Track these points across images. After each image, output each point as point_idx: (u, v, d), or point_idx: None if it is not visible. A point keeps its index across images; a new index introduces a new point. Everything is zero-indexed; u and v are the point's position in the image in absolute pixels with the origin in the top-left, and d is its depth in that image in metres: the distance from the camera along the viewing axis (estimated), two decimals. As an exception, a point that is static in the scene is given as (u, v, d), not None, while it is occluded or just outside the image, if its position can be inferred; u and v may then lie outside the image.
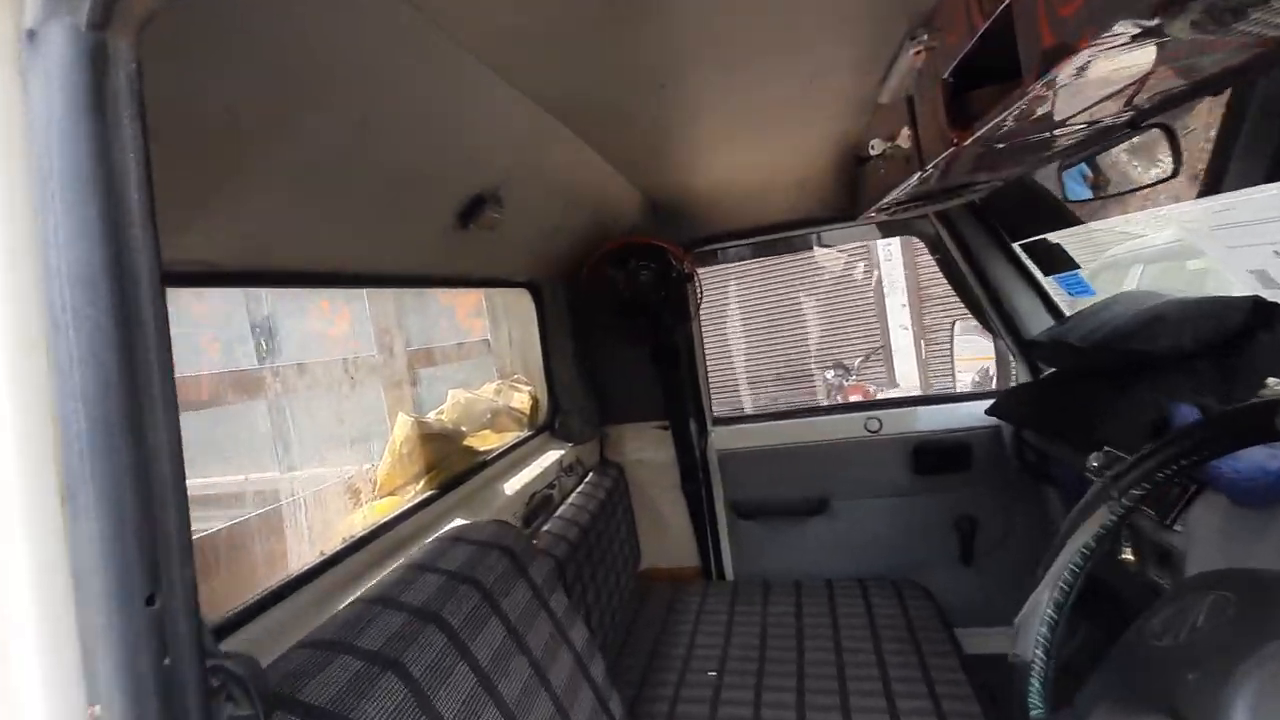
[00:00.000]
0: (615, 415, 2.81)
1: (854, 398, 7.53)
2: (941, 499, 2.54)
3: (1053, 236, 2.26)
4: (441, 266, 1.68)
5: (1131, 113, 1.15)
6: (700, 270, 2.66)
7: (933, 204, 2.15)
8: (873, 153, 1.68)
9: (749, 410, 8.27)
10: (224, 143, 0.82)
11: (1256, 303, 1.40)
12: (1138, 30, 0.63)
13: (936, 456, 2.53)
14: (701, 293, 2.59)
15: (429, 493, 1.65)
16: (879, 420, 2.60)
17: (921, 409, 2.62)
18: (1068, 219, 2.13)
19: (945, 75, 1.11)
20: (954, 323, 3.01)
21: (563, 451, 2.44)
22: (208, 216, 0.90)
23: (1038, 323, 2.39)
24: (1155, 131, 1.15)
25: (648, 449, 2.78)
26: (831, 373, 7.87)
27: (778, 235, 2.66)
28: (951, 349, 3.34)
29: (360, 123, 1.01)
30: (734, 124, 1.69)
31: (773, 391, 8.64)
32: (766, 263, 8.37)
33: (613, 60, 1.21)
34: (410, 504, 1.54)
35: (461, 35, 1.02)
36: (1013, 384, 2.51)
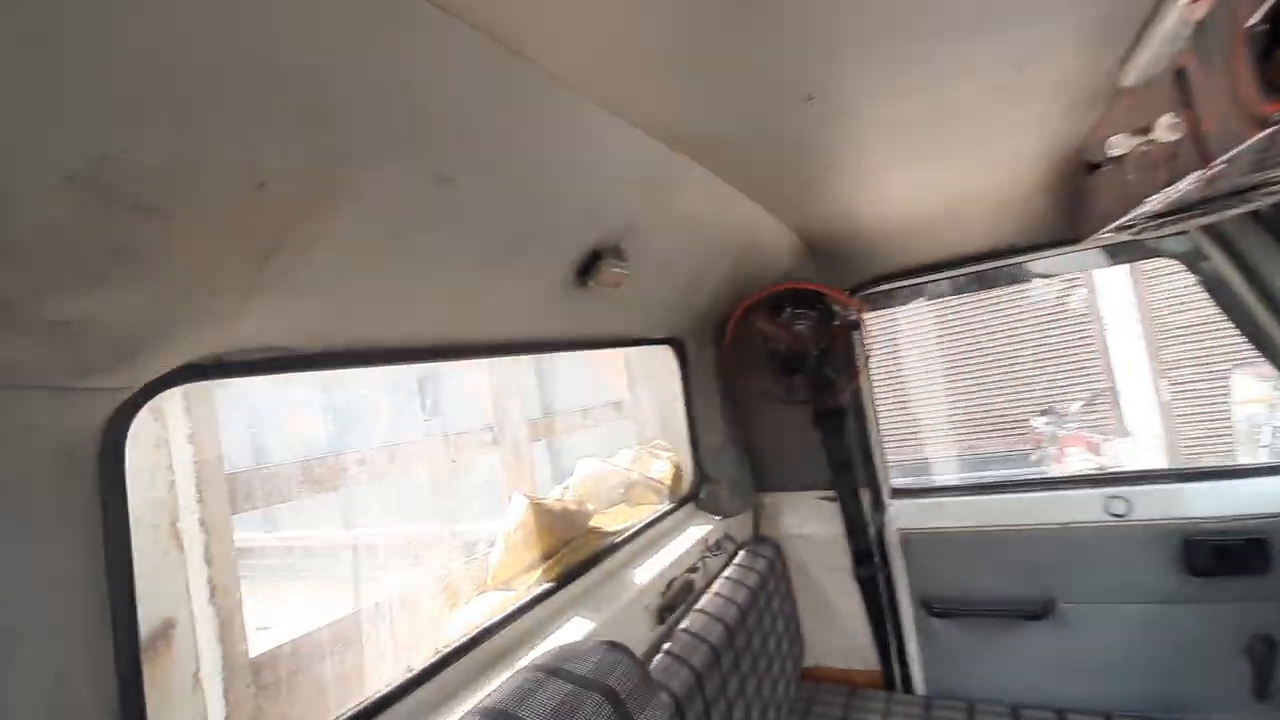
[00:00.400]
0: (771, 482, 2.46)
1: (1073, 450, 6.32)
2: (1225, 611, 1.86)
3: None
4: (560, 328, 1.52)
5: None
6: (870, 315, 2.26)
7: (1201, 215, 1.58)
8: (1111, 154, 1.24)
9: (936, 472, 7.31)
10: (270, 210, 0.69)
11: None
12: None
13: (1218, 553, 1.86)
14: (872, 342, 2.19)
15: (545, 585, 1.45)
16: (1126, 501, 1.97)
17: (1190, 486, 1.95)
18: None
19: (1251, 23, 0.70)
20: (1234, 365, 2.25)
21: (709, 527, 2.15)
22: (263, 296, 0.78)
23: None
24: None
25: (810, 521, 2.39)
26: (1044, 419, 6.71)
27: (968, 270, 2.19)
28: (1228, 400, 2.53)
29: (442, 176, 0.86)
30: (908, 137, 1.34)
31: (967, 443, 7.56)
32: (950, 299, 7.43)
33: (742, 72, 0.96)
34: (521, 601, 1.35)
35: (557, 68, 0.84)
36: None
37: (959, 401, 7.60)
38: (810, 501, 2.39)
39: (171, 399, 0.96)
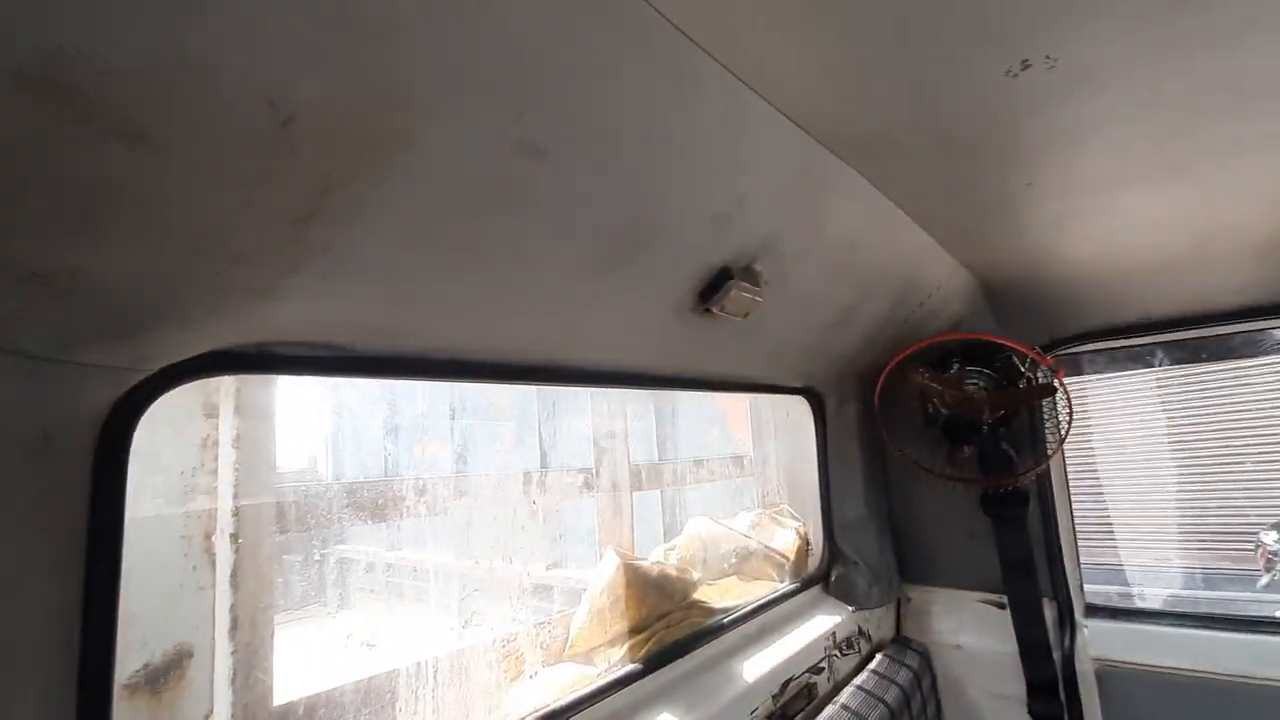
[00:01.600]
0: (920, 573, 2.03)
1: (1315, 580, 4.97)
2: None
3: None
4: (673, 361, 1.30)
5: None
6: (1069, 380, 1.82)
7: None
8: None
9: (1134, 586, 6.06)
10: (303, 156, 0.55)
11: None
12: None
13: None
14: (1072, 413, 1.74)
15: (631, 666, 1.20)
16: None
17: None
18: None
19: None
20: None
21: (839, 618, 1.78)
22: (304, 274, 0.64)
23: None
24: None
25: (971, 630, 1.92)
26: (1274, 535, 5.39)
27: (1214, 331, 1.69)
28: None
29: (532, 145, 0.69)
30: (1149, 142, 1.00)
31: (1175, 554, 6.24)
32: (1164, 371, 6.25)
33: (929, 24, 0.71)
34: (599, 683, 1.11)
35: (690, 21, 0.66)
36: None
37: (1167, 500, 6.31)
38: (972, 604, 1.93)
39: (225, 395, 0.87)
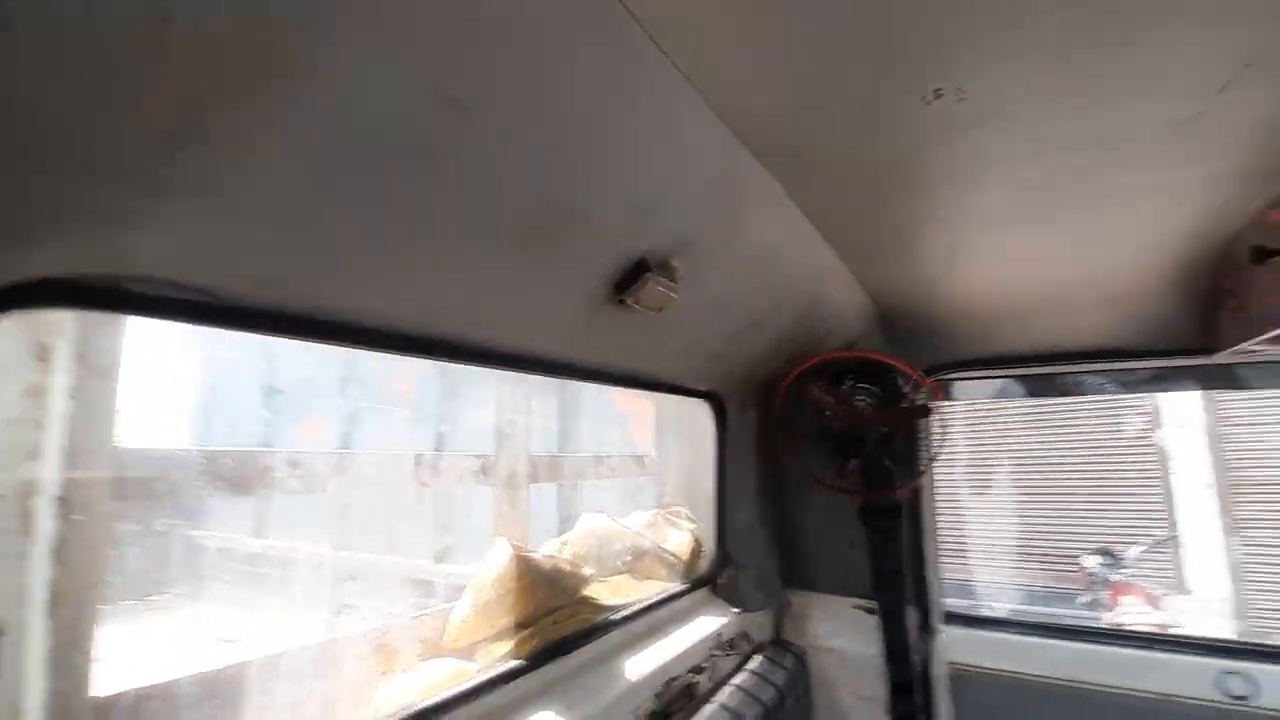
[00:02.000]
0: (802, 579, 2.11)
1: (1127, 599, 5.66)
2: None
3: None
4: (582, 352, 1.28)
5: None
6: (943, 404, 1.96)
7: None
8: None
9: (983, 599, 6.66)
10: (181, 61, 0.48)
11: None
12: None
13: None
14: (944, 436, 1.88)
15: (515, 662, 1.15)
16: (1250, 681, 1.57)
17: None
18: None
19: None
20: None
21: (724, 620, 1.82)
22: (174, 201, 0.56)
23: None
24: None
25: (844, 634, 2.02)
26: (1096, 560, 6.09)
27: (1070, 370, 1.88)
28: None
29: (448, 95, 0.64)
30: (1039, 187, 1.09)
31: (1014, 571, 6.91)
32: (1016, 403, 6.91)
33: (853, 42, 0.73)
34: (479, 679, 1.05)
35: (648, 11, 0.64)
36: None
37: (1009, 522, 6.99)
38: (847, 610, 2.02)
39: (64, 336, 0.74)
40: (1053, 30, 0.70)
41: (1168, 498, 6.68)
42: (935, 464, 1.94)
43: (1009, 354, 1.87)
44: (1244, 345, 1.39)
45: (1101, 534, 6.54)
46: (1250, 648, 1.66)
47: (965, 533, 7.08)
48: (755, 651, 1.90)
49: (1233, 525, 6.41)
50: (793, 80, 0.80)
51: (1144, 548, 6.12)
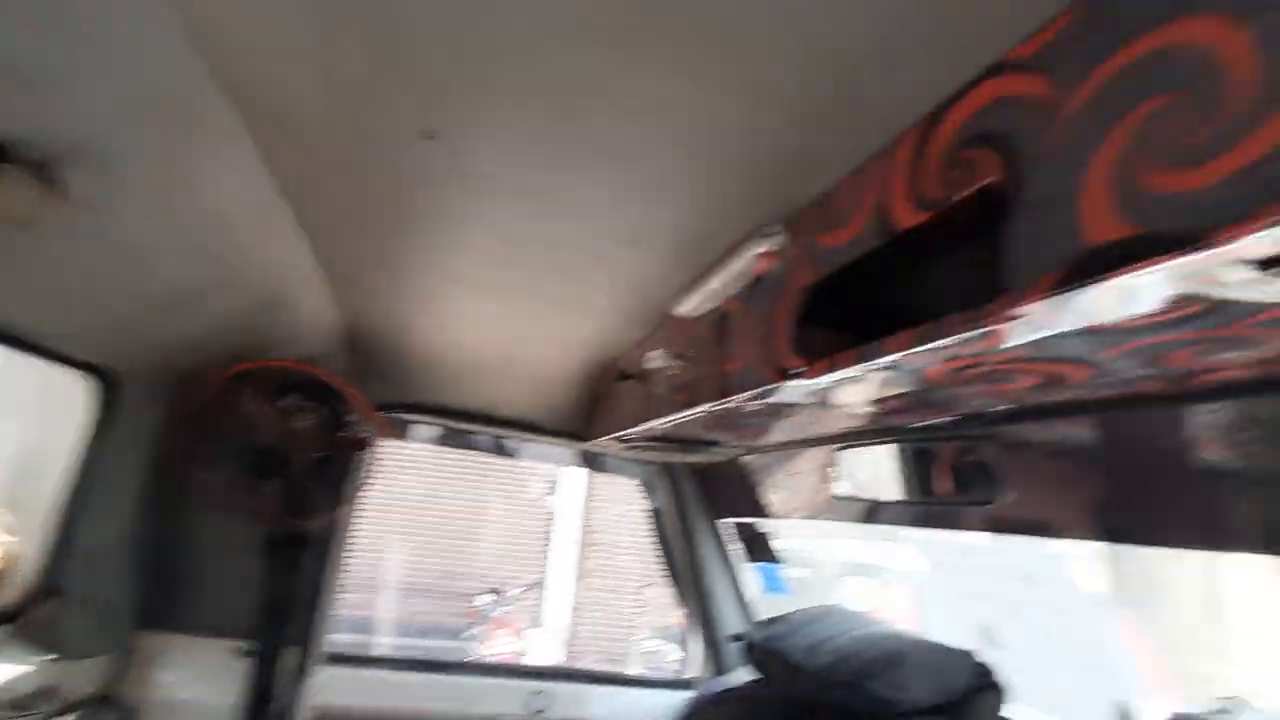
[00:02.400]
0: (169, 617, 1.73)
1: (500, 632, 6.73)
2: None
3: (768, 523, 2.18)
4: None
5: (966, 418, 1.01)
6: (385, 441, 1.99)
7: (670, 450, 1.91)
8: (649, 366, 1.39)
9: (385, 638, 6.83)
10: None
11: (977, 663, 1.31)
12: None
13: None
14: (373, 468, 1.90)
15: None
16: (547, 697, 2.01)
17: (599, 689, 2.12)
18: (784, 509, 2.06)
19: (806, 287, 0.85)
20: (644, 586, 2.70)
21: (29, 669, 1.33)
22: None
23: (728, 611, 2.19)
24: (974, 443, 1.01)
25: (202, 682, 1.72)
26: (487, 597, 7.07)
27: (493, 431, 2.18)
28: (640, 616, 3.01)
29: None
30: (502, 258, 1.26)
31: (417, 609, 7.35)
32: (450, 451, 7.58)
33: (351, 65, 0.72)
34: None
35: None
36: (698, 675, 2.18)
37: (424, 561, 7.49)
38: (216, 653, 1.74)
39: None
40: (527, 124, 0.82)
41: (547, 549, 8.33)
42: (358, 499, 1.94)
43: (454, 407, 2.06)
44: (600, 439, 1.88)
45: (498, 576, 7.64)
46: (547, 671, 2.15)
47: (377, 570, 7.27)
48: (65, 711, 1.45)
49: (582, 573, 8.40)
50: (294, 34, 0.72)
51: (521, 589, 7.43)
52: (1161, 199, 0.42)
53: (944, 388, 0.83)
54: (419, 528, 7.62)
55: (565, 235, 1.11)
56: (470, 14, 0.64)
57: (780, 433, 1.40)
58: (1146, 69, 0.45)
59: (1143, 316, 0.51)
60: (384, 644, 6.78)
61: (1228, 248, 0.39)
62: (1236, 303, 0.47)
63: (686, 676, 2.27)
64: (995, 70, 0.58)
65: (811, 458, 1.53)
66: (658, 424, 1.40)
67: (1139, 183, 0.44)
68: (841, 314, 0.85)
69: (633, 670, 5.90)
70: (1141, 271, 0.43)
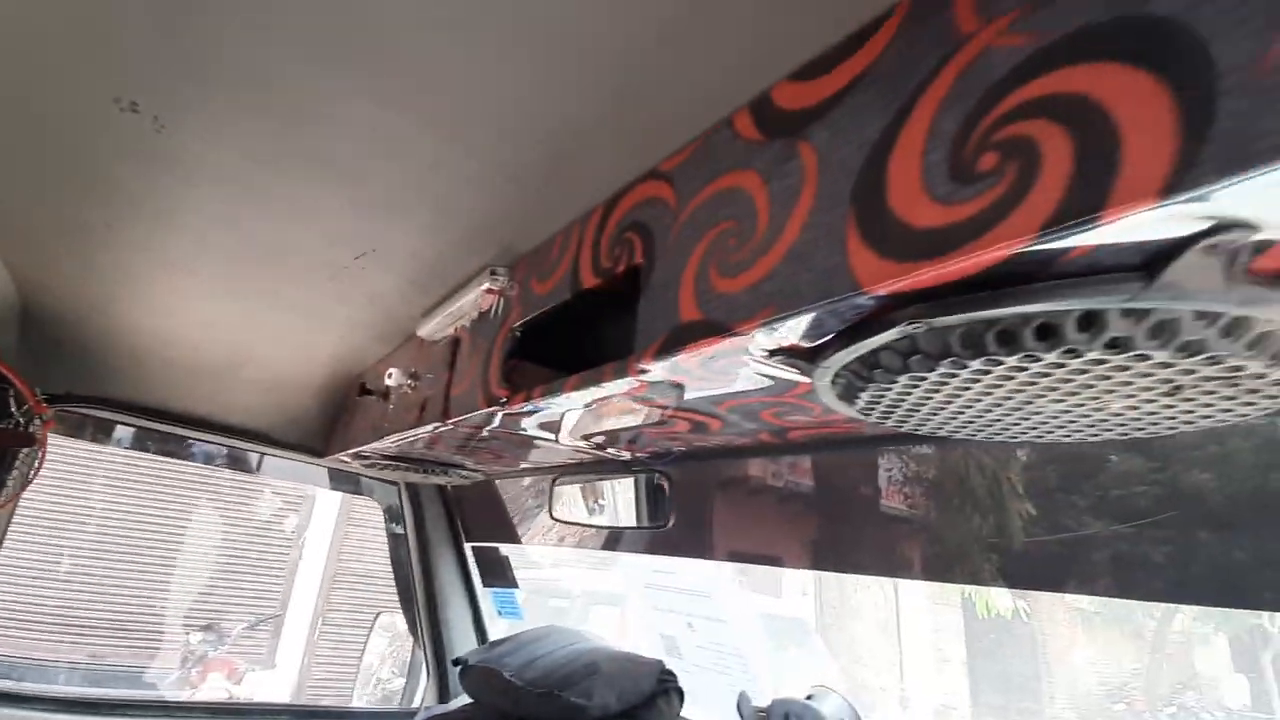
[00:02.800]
0: None
1: (214, 675, 5.82)
2: None
3: (507, 549, 2.23)
4: None
5: (630, 455, 1.17)
6: (59, 439, 1.69)
7: (413, 471, 1.89)
8: (388, 383, 1.38)
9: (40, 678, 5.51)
10: None
11: (661, 670, 1.48)
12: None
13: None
14: (38, 469, 1.59)
15: None
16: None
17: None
18: (522, 535, 2.13)
19: (516, 326, 0.95)
20: (378, 614, 2.58)
21: None
22: None
23: (463, 637, 2.18)
24: (658, 477, 1.18)
25: None
26: (200, 635, 6.08)
27: (219, 440, 1.95)
28: (365, 646, 2.83)
29: None
30: (229, 254, 1.18)
31: (97, 647, 6.05)
32: (166, 463, 6.45)
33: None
34: None
35: None
36: (423, 704, 2.13)
37: (105, 592, 6.22)
38: None
39: None
40: (256, 121, 0.80)
41: (288, 579, 7.43)
42: (11, 505, 1.61)
43: (161, 407, 1.81)
44: (339, 455, 1.79)
45: (219, 609, 6.62)
46: (249, 708, 1.94)
47: (45, 601, 5.90)
48: None
49: (324, 608, 7.61)
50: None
51: (247, 625, 6.51)
52: (716, 296, 0.58)
53: (633, 427, 0.97)
54: (116, 551, 6.35)
55: (300, 240, 1.09)
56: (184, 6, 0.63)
57: (520, 460, 1.48)
58: (722, 200, 0.61)
59: (720, 379, 0.67)
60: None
61: (744, 337, 0.55)
62: (776, 378, 0.65)
63: (411, 707, 2.19)
64: (653, 174, 0.73)
65: (540, 484, 1.63)
66: (390, 441, 1.40)
67: (709, 282, 0.60)
68: (555, 353, 0.96)
69: (357, 703, 5.46)
70: (704, 347, 0.58)
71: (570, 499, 1.40)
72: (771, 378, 0.65)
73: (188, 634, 6.20)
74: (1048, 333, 0.41)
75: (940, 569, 0.95)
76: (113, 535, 6.31)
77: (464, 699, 1.97)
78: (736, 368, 0.64)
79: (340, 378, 1.75)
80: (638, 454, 1.21)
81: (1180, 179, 0.31)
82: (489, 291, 1.02)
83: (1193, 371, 0.42)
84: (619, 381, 0.72)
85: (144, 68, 0.74)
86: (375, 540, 7.28)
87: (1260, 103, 0.29)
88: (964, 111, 0.42)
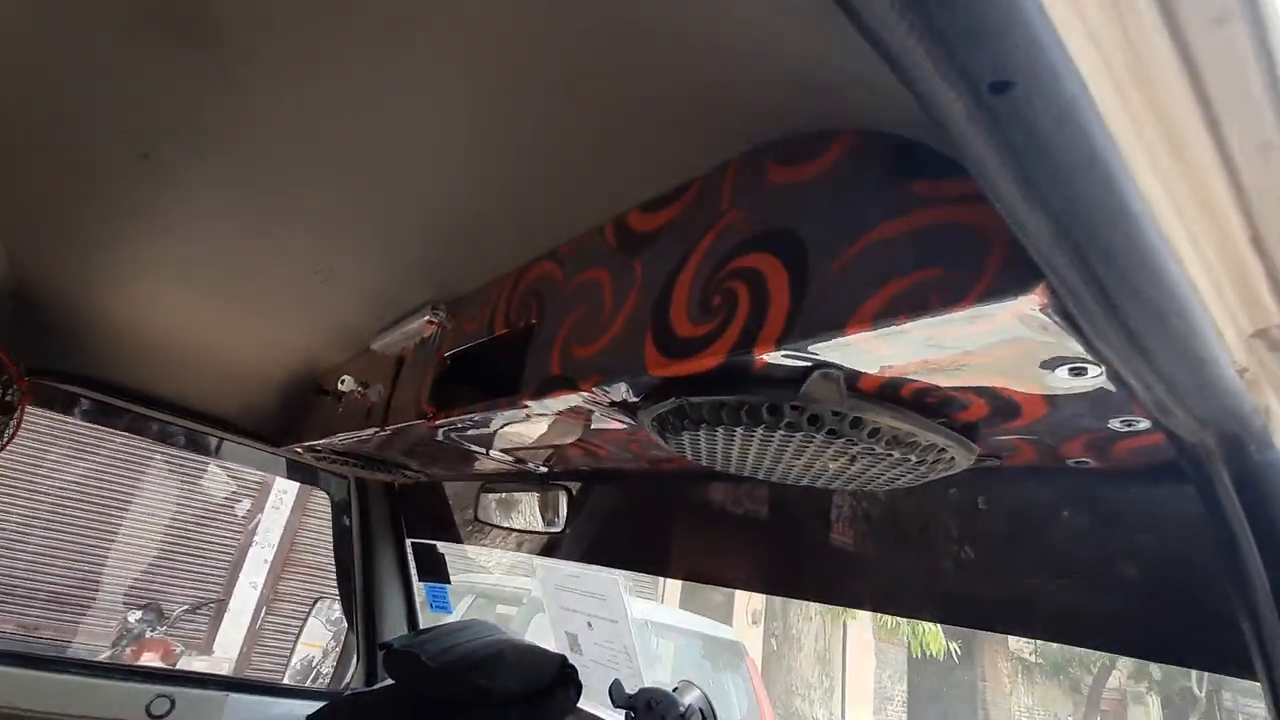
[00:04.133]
0: None
1: (147, 656, 5.79)
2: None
3: (445, 547, 2.40)
4: None
5: (545, 470, 1.38)
6: (35, 410, 1.84)
7: (362, 468, 2.06)
8: (340, 388, 1.57)
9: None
10: None
11: (562, 663, 1.67)
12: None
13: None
14: (11, 438, 1.74)
15: None
16: (171, 700, 1.94)
17: (233, 696, 2.09)
18: (461, 535, 2.31)
19: (446, 354, 1.15)
20: (317, 599, 2.71)
21: None
22: None
23: (395, 626, 2.34)
24: (561, 491, 1.38)
25: None
26: (138, 614, 6.05)
27: (178, 422, 2.11)
28: (301, 630, 2.96)
29: None
30: (214, 249, 1.32)
31: (37, 617, 6.02)
32: (129, 441, 6.46)
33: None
34: None
35: None
36: (349, 685, 2.28)
37: (47, 562, 6.20)
38: None
39: None
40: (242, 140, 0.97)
41: (236, 565, 7.41)
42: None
43: (136, 388, 1.97)
44: (293, 446, 1.96)
45: (161, 592, 6.61)
46: (175, 675, 2.07)
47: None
48: None
49: (272, 598, 7.59)
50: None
51: (188, 607, 6.49)
52: (573, 359, 0.80)
53: (550, 447, 1.17)
54: (62, 521, 6.34)
55: (272, 260, 1.29)
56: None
57: (457, 466, 1.67)
58: (588, 287, 0.83)
59: (581, 419, 0.88)
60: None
61: (586, 393, 0.76)
62: (624, 421, 0.86)
63: (337, 687, 2.34)
64: (551, 255, 0.95)
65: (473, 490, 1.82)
66: (339, 439, 1.58)
67: (570, 347, 0.81)
68: (480, 380, 1.16)
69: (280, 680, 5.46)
70: (562, 395, 0.80)
71: (491, 504, 1.59)
72: (619, 420, 0.86)
73: (126, 612, 6.18)
74: (753, 414, 0.63)
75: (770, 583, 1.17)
76: (62, 506, 6.30)
77: (388, 682, 2.14)
78: (591, 410, 0.85)
79: (300, 376, 1.92)
80: (553, 469, 1.41)
81: (786, 336, 0.53)
82: (429, 322, 1.22)
83: (851, 446, 0.64)
84: (509, 412, 0.93)
85: (155, 118, 0.91)
86: (329, 533, 7.31)
87: (831, 291, 0.51)
88: (711, 264, 0.64)
